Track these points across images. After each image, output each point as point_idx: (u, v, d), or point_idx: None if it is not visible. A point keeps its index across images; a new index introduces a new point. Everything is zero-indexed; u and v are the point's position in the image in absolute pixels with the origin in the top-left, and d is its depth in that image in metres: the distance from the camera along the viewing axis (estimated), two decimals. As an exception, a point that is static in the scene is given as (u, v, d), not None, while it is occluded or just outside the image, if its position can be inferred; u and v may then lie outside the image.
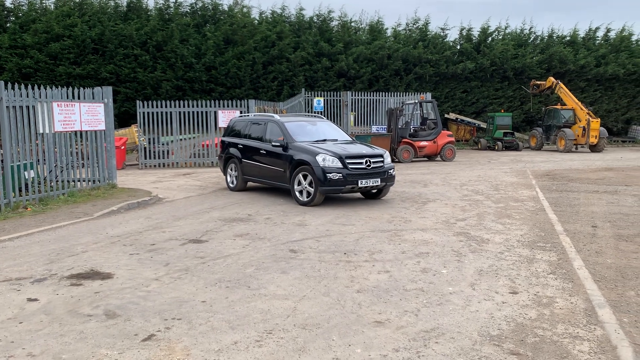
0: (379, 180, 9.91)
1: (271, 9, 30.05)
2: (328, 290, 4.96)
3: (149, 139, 18.27)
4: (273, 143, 10.57)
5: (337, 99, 25.00)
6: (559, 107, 27.24)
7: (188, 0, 28.53)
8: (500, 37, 32.16)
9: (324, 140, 10.72)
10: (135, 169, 17.73)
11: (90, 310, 4.47)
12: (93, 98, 11.36)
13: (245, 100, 18.61)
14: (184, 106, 18.15)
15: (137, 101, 18.20)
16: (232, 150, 11.81)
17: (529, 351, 3.68)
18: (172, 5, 28.24)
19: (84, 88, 11.32)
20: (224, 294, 4.86)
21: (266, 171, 10.89)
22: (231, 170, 11.93)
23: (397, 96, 25.06)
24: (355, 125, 25.17)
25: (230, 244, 6.85)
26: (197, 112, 18.21)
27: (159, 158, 18.23)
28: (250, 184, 11.91)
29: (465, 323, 4.19)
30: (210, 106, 18.29)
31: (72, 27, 25.47)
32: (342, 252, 6.35)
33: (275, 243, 6.88)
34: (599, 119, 25.98)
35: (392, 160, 19.23)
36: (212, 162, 18.50)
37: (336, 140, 10.92)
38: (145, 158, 18.15)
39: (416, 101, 21.05)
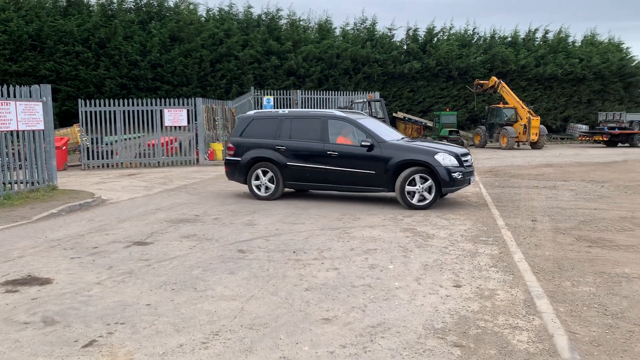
0: (475, 176, 10.21)
1: (218, 6, 29.86)
2: (276, 290, 4.94)
3: (92, 138, 17.64)
4: (363, 142, 9.56)
5: (287, 98, 24.98)
6: (501, 105, 28.20)
7: (132, -5, 27.84)
8: (445, 38, 33.02)
9: (402, 137, 10.56)
10: (78, 170, 17.09)
11: (27, 318, 4.28)
12: (30, 96, 10.87)
13: (193, 99, 18.28)
14: (128, 105, 17.61)
15: (79, 100, 17.55)
16: (263, 152, 10.30)
17: (472, 342, 3.79)
18: (115, 1, 27.40)
19: (21, 86, 10.81)
20: (170, 297, 4.76)
21: (338, 175, 9.79)
22: (260, 176, 10.36)
23: (346, 95, 25.31)
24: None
25: (176, 245, 6.71)
26: (142, 111, 17.71)
27: (102, 158, 17.63)
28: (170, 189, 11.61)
29: (411, 317, 4.27)
30: (156, 105, 17.83)
31: (7, 22, 24.33)
32: (292, 251, 6.34)
33: (224, 244, 6.79)
34: (539, 117, 27.09)
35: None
36: (158, 162, 18.08)
37: (402, 137, 10.69)
38: (89, 159, 17.51)
39: (365, 100, 21.31)
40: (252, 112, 11.15)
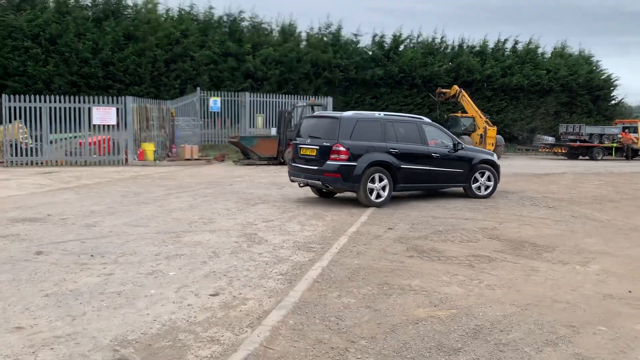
0: None
1: (179, 6, 29.39)
2: (13, 294, 4.60)
3: (36, 135, 17.24)
4: (455, 145, 10.76)
5: (235, 100, 24.70)
6: (459, 114, 27.96)
7: (89, -8, 27.49)
8: (411, 46, 32.81)
9: None
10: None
11: None
12: None
13: (122, 97, 17.94)
14: (54, 101, 17.27)
15: (3, 95, 17.17)
16: (378, 155, 9.71)
17: (140, 357, 3.46)
18: (71, -2, 27.05)
19: None
20: None
21: (438, 175, 10.60)
22: (375, 181, 9.63)
23: (304, 99, 25.05)
24: (264, 127, 25.00)
25: (-19, 244, 6.36)
26: (69, 108, 17.37)
27: (28, 156, 17.25)
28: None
29: (115, 327, 3.93)
30: (84, 102, 17.48)
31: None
32: (90, 255, 5.99)
33: (36, 244, 6.43)
34: (495, 128, 26.80)
35: (280, 163, 19.38)
36: (85, 161, 17.72)
37: None
38: (15, 155, 17.11)
39: (305, 104, 21.01)
40: (350, 113, 10.17)
